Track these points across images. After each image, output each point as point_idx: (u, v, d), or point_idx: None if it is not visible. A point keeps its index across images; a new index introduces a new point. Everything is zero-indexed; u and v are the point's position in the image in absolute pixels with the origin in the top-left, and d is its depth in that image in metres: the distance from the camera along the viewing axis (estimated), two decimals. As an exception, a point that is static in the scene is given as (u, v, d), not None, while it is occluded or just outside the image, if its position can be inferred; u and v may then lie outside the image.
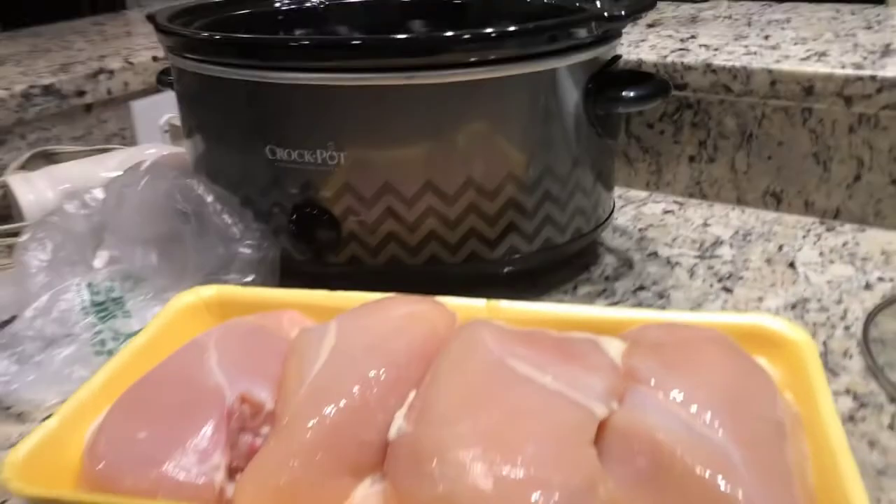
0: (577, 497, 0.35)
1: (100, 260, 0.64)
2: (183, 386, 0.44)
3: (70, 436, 0.42)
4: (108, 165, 0.79)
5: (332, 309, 0.52)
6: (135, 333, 0.56)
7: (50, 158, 0.86)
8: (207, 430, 0.41)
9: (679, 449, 0.36)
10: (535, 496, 0.35)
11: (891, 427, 0.46)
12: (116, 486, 0.38)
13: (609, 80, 0.58)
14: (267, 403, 0.43)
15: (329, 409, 0.41)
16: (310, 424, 0.40)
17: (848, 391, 0.49)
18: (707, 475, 0.35)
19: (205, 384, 0.43)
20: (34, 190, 0.76)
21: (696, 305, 0.60)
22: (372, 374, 0.43)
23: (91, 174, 0.78)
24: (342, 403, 0.41)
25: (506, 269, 0.60)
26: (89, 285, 0.57)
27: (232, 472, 0.41)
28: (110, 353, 0.53)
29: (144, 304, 0.60)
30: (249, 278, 0.58)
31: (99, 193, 0.65)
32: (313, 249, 0.59)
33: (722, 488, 0.35)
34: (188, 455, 0.40)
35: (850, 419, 0.47)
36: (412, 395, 0.43)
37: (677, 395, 0.40)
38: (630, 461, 0.37)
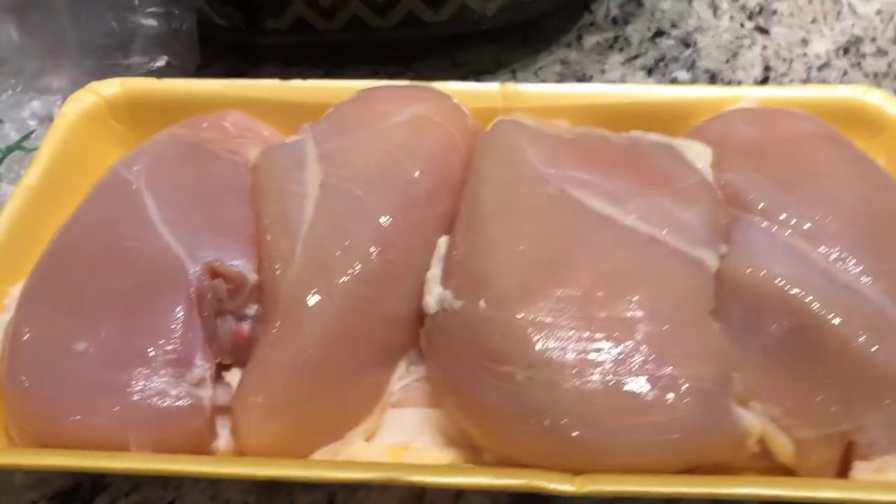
0: (711, 397, 0.27)
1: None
2: (121, 258, 0.31)
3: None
4: None
5: (289, 105, 0.39)
6: (15, 145, 0.42)
7: None
8: (174, 325, 0.29)
9: (824, 310, 0.28)
10: (659, 404, 0.26)
11: None
12: (59, 428, 0.27)
13: None
14: (248, 275, 0.31)
15: (341, 280, 0.30)
16: (314, 303, 0.29)
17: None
18: (867, 347, 0.27)
19: (152, 253, 0.31)
20: None
21: (732, 55, 0.49)
22: (384, 220, 0.31)
23: None
24: (357, 269, 0.30)
25: (498, 23, 0.46)
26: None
27: (218, 370, 0.30)
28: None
29: (16, 99, 0.44)
30: (161, 62, 0.42)
31: None
32: (244, 12, 0.43)
33: (886, 366, 0.27)
34: (157, 369, 0.28)
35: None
36: (443, 242, 0.32)
37: (800, 226, 0.31)
38: (756, 329, 0.29)
